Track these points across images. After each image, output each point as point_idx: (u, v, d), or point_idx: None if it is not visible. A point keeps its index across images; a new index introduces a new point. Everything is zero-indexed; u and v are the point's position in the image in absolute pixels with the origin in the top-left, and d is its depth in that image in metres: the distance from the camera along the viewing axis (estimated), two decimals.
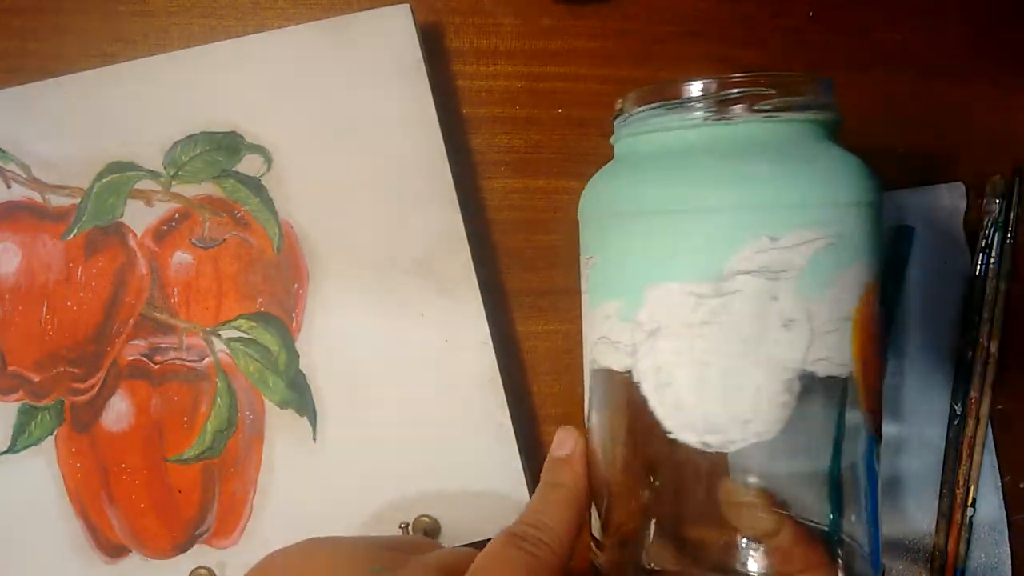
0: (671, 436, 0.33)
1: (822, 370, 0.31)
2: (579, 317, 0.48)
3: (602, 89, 0.50)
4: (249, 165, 0.45)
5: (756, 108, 0.32)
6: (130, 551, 0.44)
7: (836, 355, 0.31)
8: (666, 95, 0.34)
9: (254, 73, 0.46)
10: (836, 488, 0.34)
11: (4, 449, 0.44)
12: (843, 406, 0.32)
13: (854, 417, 0.32)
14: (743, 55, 0.51)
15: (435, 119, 0.46)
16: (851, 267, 0.32)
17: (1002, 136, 0.52)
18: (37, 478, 0.44)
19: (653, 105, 0.34)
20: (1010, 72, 0.53)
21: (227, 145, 0.45)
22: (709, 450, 0.32)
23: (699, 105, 0.33)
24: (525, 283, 0.49)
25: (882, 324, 0.33)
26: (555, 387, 0.49)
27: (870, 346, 0.32)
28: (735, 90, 0.33)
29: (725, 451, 0.32)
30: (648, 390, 0.33)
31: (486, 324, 0.45)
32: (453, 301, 0.45)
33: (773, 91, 0.32)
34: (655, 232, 0.33)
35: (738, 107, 0.33)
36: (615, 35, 0.51)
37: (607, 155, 0.50)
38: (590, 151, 0.50)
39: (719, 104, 0.33)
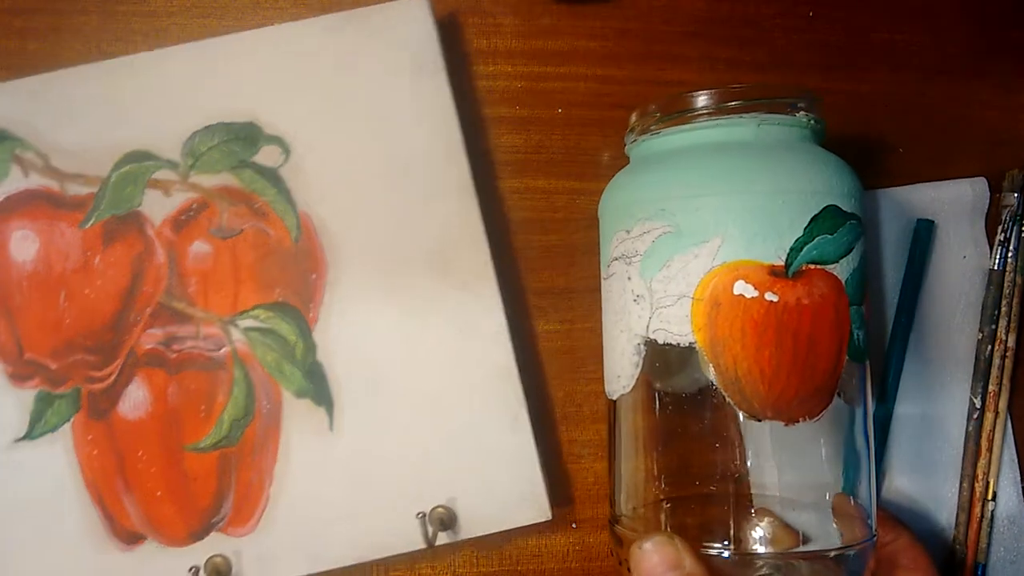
0: (605, 387, 0.42)
1: (661, 338, 0.37)
2: (579, 317, 0.49)
3: (602, 89, 0.50)
4: (267, 156, 0.45)
5: (648, 129, 0.40)
6: (146, 538, 0.44)
7: (673, 326, 0.37)
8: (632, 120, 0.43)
9: (272, 64, 0.46)
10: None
11: (21, 435, 0.44)
12: (695, 371, 0.37)
13: (705, 380, 0.37)
14: (743, 55, 0.51)
15: (453, 111, 0.46)
16: (691, 250, 0.36)
17: (1005, 135, 0.53)
18: (54, 465, 0.44)
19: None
20: (1012, 71, 0.53)
21: (245, 135, 0.45)
22: (608, 398, 0.41)
23: (632, 128, 0.42)
24: (523, 283, 0.49)
25: (786, 309, 0.36)
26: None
27: (725, 322, 0.36)
28: (639, 117, 0.42)
29: (612, 398, 0.40)
30: None
31: (503, 315, 0.45)
32: (470, 292, 0.45)
33: (659, 114, 0.40)
34: (600, 234, 0.42)
35: (645, 129, 0.41)
36: (615, 35, 0.51)
37: (607, 155, 0.50)
38: (590, 151, 0.50)
39: (638, 126, 0.41)
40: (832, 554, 0.36)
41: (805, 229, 0.36)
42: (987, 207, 0.51)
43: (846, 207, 0.37)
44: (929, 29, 0.53)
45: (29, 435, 0.44)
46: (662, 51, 0.51)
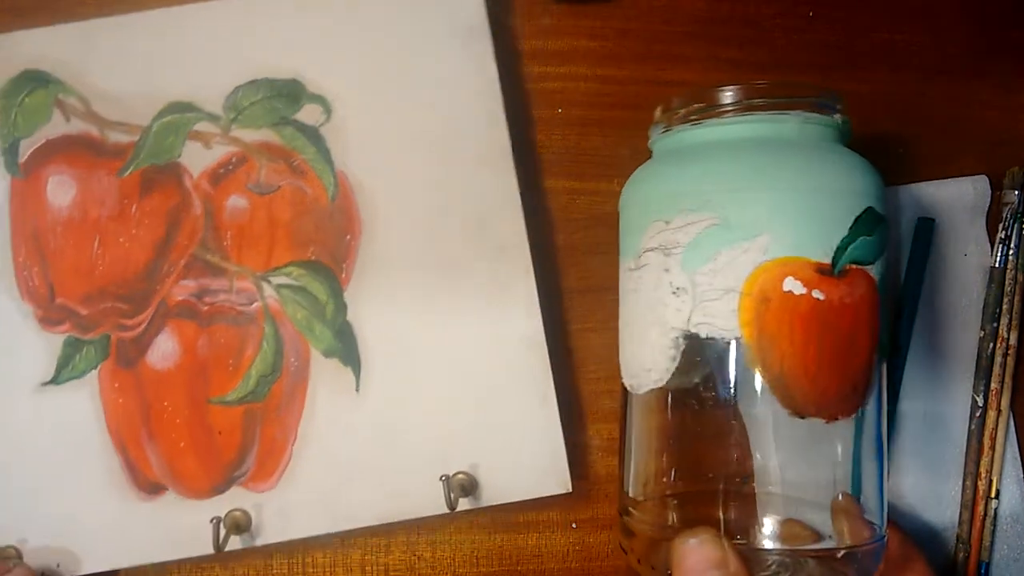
0: (622, 380, 0.41)
1: (704, 332, 0.37)
2: (577, 317, 0.49)
3: (602, 89, 0.50)
4: (309, 114, 0.46)
5: (688, 120, 0.40)
6: (167, 489, 0.44)
7: (719, 320, 0.36)
8: (657, 112, 0.42)
9: (319, 23, 0.46)
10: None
11: (47, 380, 0.44)
12: (737, 365, 0.37)
13: (749, 376, 0.36)
14: (743, 55, 0.52)
15: (496, 79, 0.46)
16: (741, 244, 0.36)
17: (1005, 135, 0.53)
18: (78, 411, 0.44)
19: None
20: (1012, 71, 0.53)
21: (288, 92, 0.46)
22: (632, 392, 0.40)
23: (660, 122, 0.42)
24: None
25: (831, 307, 0.36)
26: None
27: (774, 318, 0.36)
28: (665, 110, 0.41)
29: (638, 393, 0.40)
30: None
31: (535, 285, 0.46)
32: (503, 261, 0.46)
33: (702, 105, 0.40)
34: (621, 223, 0.42)
35: (675, 121, 0.41)
36: (615, 35, 0.51)
37: (607, 155, 0.50)
38: (590, 151, 0.50)
39: (666, 119, 0.41)
40: (841, 553, 0.36)
41: (850, 229, 0.36)
42: (988, 205, 0.52)
43: (880, 209, 0.38)
44: (929, 29, 0.53)
45: (55, 380, 0.44)
46: (662, 51, 0.51)
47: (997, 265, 0.51)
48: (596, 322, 0.49)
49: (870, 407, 0.38)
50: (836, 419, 0.37)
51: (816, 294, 0.36)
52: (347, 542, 0.47)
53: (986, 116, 0.53)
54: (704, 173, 0.38)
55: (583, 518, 0.49)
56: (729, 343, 0.36)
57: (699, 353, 0.37)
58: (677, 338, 0.37)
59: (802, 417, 0.36)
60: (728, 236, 0.36)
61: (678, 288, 0.37)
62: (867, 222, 0.37)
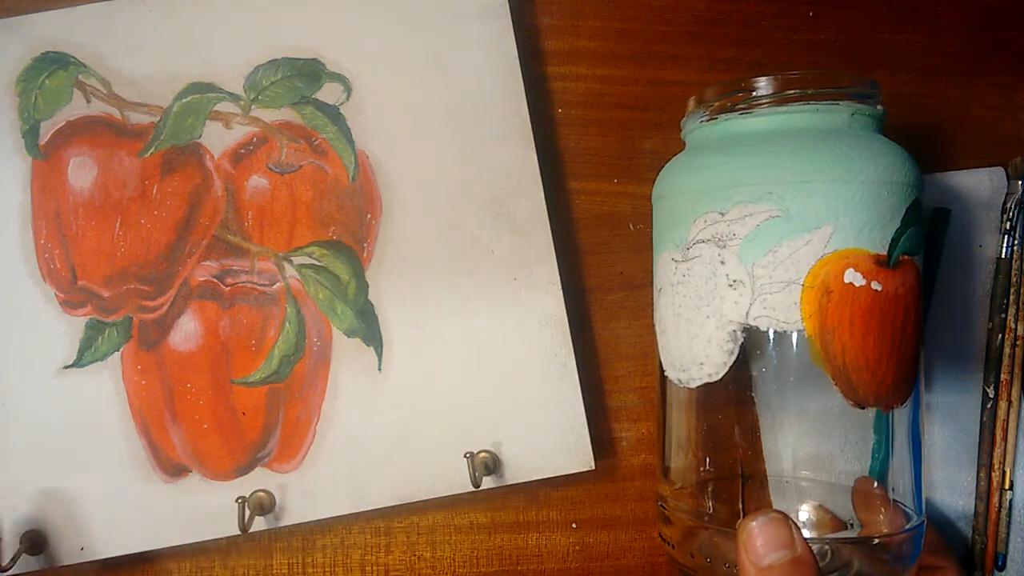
0: (665, 373, 0.40)
1: (764, 325, 0.36)
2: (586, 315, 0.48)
3: (602, 89, 0.50)
4: (329, 93, 0.46)
5: (736, 109, 0.39)
6: (190, 471, 0.44)
7: (780, 313, 0.36)
8: (692, 102, 0.41)
9: (338, 1, 0.46)
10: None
11: (70, 363, 0.44)
12: (799, 358, 0.37)
13: (811, 369, 0.36)
14: (743, 55, 0.51)
15: (516, 58, 0.46)
16: (802, 236, 0.36)
17: (1005, 135, 0.52)
18: (101, 393, 0.44)
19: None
20: (1012, 71, 0.53)
21: (308, 72, 0.46)
22: (681, 385, 0.39)
23: (698, 110, 0.40)
24: None
25: (887, 298, 0.36)
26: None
27: (836, 310, 0.36)
28: (714, 99, 0.40)
29: (689, 386, 0.39)
30: (657, 337, 0.41)
31: (555, 264, 0.45)
32: (524, 240, 0.46)
33: (743, 94, 0.39)
34: (658, 213, 0.41)
35: (720, 110, 0.40)
36: (615, 35, 0.51)
37: (607, 155, 0.50)
38: (590, 151, 0.50)
39: (709, 109, 0.40)
40: (875, 540, 0.36)
41: (902, 220, 0.36)
42: (1004, 196, 0.51)
43: (922, 200, 0.38)
44: (929, 29, 0.53)
45: (78, 363, 0.44)
46: (662, 51, 0.51)
47: (1003, 256, 0.50)
48: (596, 321, 0.49)
49: (913, 396, 0.38)
50: (892, 408, 0.37)
51: (875, 286, 0.35)
52: (347, 542, 0.47)
53: (986, 116, 0.53)
54: (764, 164, 0.37)
55: (583, 518, 0.48)
56: (791, 336, 0.36)
57: (757, 346, 0.37)
58: (735, 331, 0.37)
59: (862, 407, 0.36)
60: (789, 228, 0.36)
61: (735, 281, 0.37)
62: (916, 213, 0.37)
